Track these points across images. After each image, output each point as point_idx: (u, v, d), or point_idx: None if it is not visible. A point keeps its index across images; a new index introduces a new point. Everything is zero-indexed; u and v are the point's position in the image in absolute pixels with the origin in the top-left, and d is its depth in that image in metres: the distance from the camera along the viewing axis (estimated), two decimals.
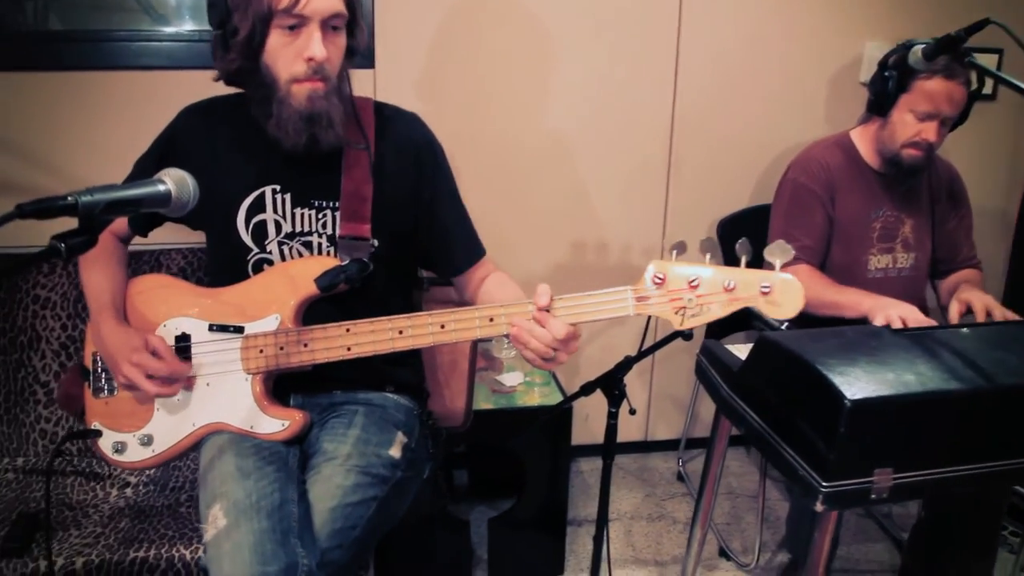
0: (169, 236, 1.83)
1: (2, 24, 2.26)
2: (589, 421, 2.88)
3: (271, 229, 1.59)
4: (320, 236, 1.59)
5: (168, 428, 1.58)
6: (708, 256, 1.28)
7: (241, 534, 1.33)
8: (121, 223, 1.69)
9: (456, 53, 2.54)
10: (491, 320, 1.38)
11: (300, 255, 1.60)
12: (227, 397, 1.54)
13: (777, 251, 1.22)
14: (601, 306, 1.32)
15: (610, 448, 1.76)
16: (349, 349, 1.47)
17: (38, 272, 2.07)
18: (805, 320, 1.92)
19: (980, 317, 1.97)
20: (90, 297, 1.63)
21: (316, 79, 1.46)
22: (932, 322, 1.87)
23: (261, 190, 1.58)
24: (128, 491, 1.89)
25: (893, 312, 1.87)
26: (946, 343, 1.54)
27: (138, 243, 1.79)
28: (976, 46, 1.83)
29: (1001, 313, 1.96)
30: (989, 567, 2.02)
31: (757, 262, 1.25)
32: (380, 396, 1.69)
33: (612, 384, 1.69)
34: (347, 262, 1.54)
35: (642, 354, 1.73)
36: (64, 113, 2.32)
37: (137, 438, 1.59)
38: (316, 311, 1.56)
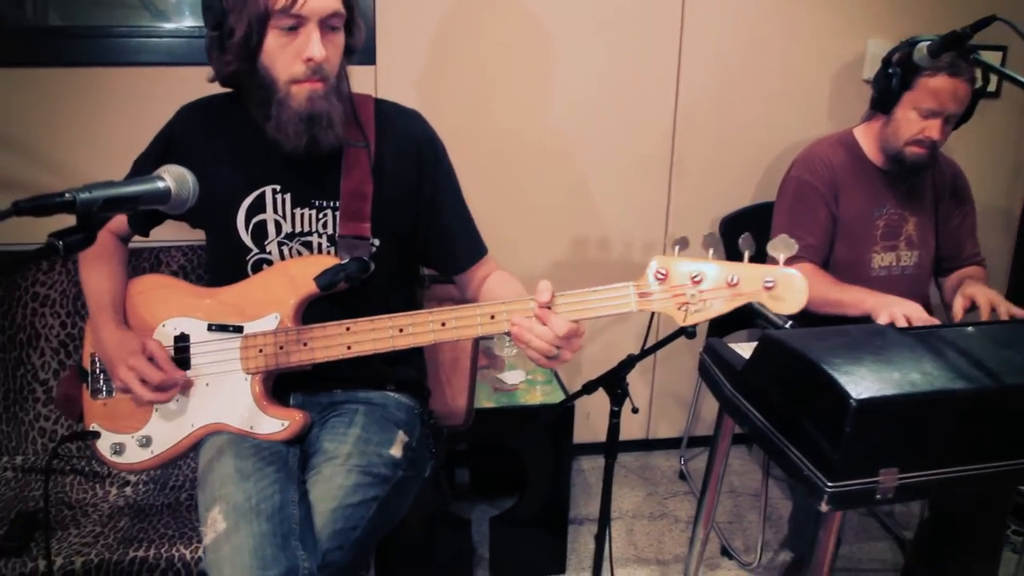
0: (169, 234, 1.82)
1: (1, 20, 2.25)
2: (591, 419, 2.87)
3: (271, 229, 1.58)
4: (320, 236, 1.58)
5: (167, 429, 1.57)
6: (711, 251, 1.26)
7: (241, 538, 1.32)
8: (121, 223, 1.68)
9: (458, 50, 2.53)
10: (492, 318, 1.37)
11: (300, 255, 1.59)
12: (226, 397, 1.53)
13: (780, 245, 1.21)
14: (603, 302, 1.31)
15: (612, 447, 1.75)
16: (349, 348, 1.46)
17: (37, 269, 2.06)
18: (808, 318, 1.92)
19: (985, 312, 1.96)
20: (89, 297, 1.62)
21: (315, 79, 1.45)
22: (936, 321, 1.86)
23: (261, 190, 1.57)
24: (128, 490, 1.88)
25: (897, 310, 1.86)
26: (952, 342, 1.53)
27: (138, 241, 1.78)
28: (980, 43, 1.83)
29: (1006, 308, 1.95)
30: (993, 567, 2.02)
31: (760, 258, 1.24)
32: (381, 395, 1.67)
33: (615, 383, 1.68)
34: (347, 260, 1.52)
35: (645, 352, 1.71)
36: (63, 109, 2.31)
37: (136, 439, 1.58)
38: (316, 311, 1.55)
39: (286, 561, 1.30)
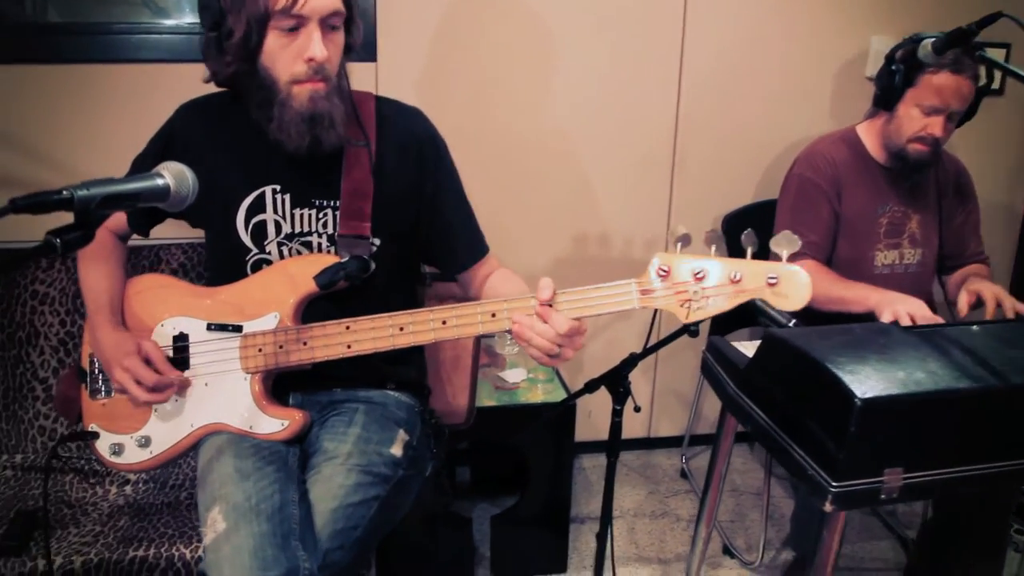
0: (169, 232, 1.82)
1: (0, 16, 2.24)
2: (592, 417, 2.86)
3: (271, 229, 1.57)
4: (320, 236, 1.57)
5: (166, 429, 1.56)
6: (713, 248, 1.25)
7: (241, 538, 1.31)
8: (120, 221, 1.67)
9: (459, 47, 2.52)
10: (493, 316, 1.36)
11: (299, 255, 1.58)
12: (226, 397, 1.52)
13: (784, 242, 1.20)
14: (605, 299, 1.30)
15: (614, 446, 1.74)
16: (349, 347, 1.45)
17: (36, 267, 2.05)
18: (811, 316, 1.91)
19: (990, 308, 1.95)
20: (87, 297, 1.61)
21: (317, 79, 1.44)
22: (940, 319, 1.85)
23: (261, 190, 1.56)
24: (128, 489, 1.87)
25: (901, 308, 1.85)
26: (957, 341, 1.52)
27: (138, 238, 1.77)
28: (984, 40, 1.82)
29: (1011, 304, 1.94)
30: (997, 567, 2.01)
31: (763, 255, 1.23)
32: (381, 394, 1.66)
33: (617, 381, 1.67)
34: (346, 259, 1.51)
35: (647, 351, 1.71)
36: (63, 107, 2.30)
37: (135, 439, 1.57)
38: (316, 310, 1.54)
39: (286, 561, 1.29)
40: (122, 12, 2.33)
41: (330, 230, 1.56)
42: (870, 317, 1.92)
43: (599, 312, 1.30)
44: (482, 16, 2.50)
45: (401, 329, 1.42)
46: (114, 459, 1.59)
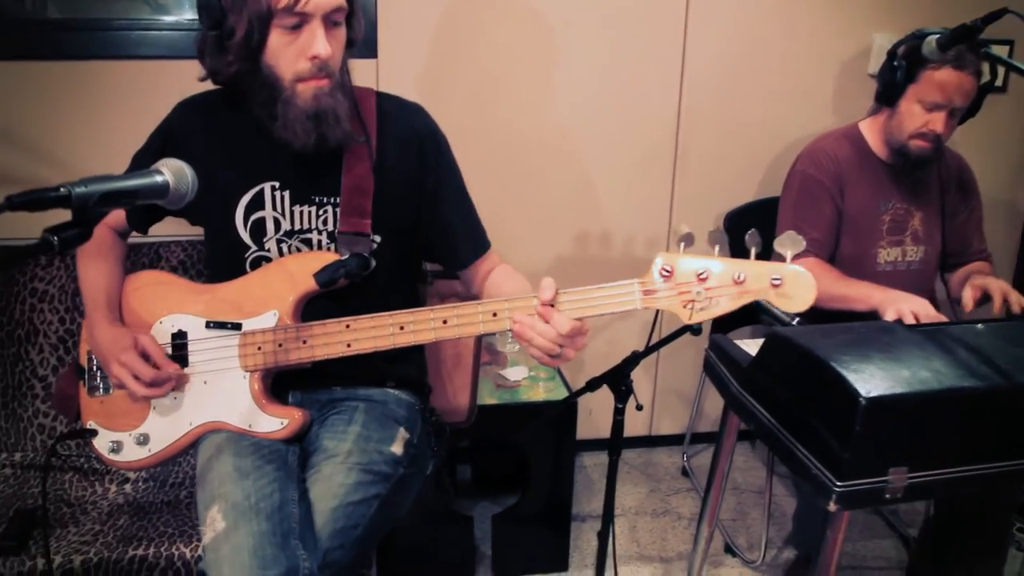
0: (169, 229, 1.81)
1: (0, 12, 2.23)
2: (593, 416, 2.86)
3: (270, 227, 1.56)
4: (320, 233, 1.56)
5: (165, 427, 1.55)
6: (717, 248, 1.24)
7: (240, 537, 1.30)
8: (120, 217, 1.66)
9: (460, 44, 2.51)
10: (494, 315, 1.35)
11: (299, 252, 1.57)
12: (225, 395, 1.51)
13: (788, 242, 1.19)
14: (607, 300, 1.29)
15: (617, 444, 1.73)
16: (349, 345, 1.44)
17: (36, 265, 2.05)
18: (813, 314, 1.88)
19: (998, 303, 1.95)
20: (85, 294, 1.61)
21: (321, 77, 1.43)
22: (944, 318, 1.84)
23: (260, 187, 1.55)
24: (127, 487, 1.86)
25: (904, 306, 1.84)
26: (961, 339, 1.51)
27: (137, 236, 1.76)
28: (987, 37, 1.81)
29: (1017, 299, 1.94)
30: (999, 565, 2.00)
31: (766, 255, 1.22)
32: (381, 392, 1.65)
33: (619, 380, 1.67)
34: (347, 257, 1.50)
35: (650, 349, 1.70)
36: (62, 103, 2.29)
37: (133, 437, 1.56)
38: (316, 308, 1.53)
39: (286, 560, 1.28)
40: (122, 8, 2.31)
41: (330, 227, 1.55)
42: (873, 315, 1.91)
43: (601, 312, 1.29)
44: (483, 13, 2.49)
45: (402, 328, 1.41)
46: (113, 457, 1.58)
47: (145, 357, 1.48)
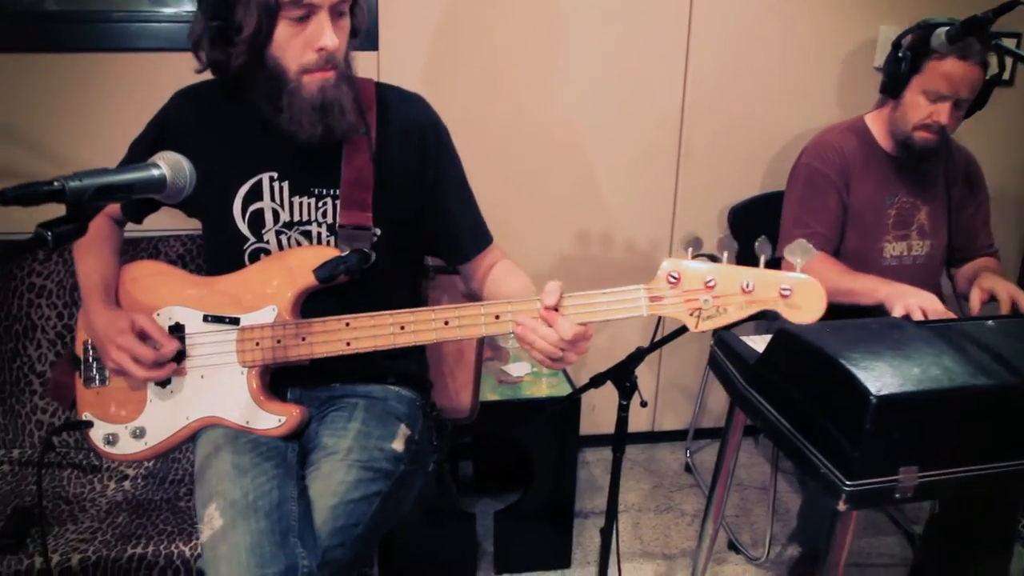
0: (167, 223, 1.79)
1: None
2: (596, 411, 2.84)
3: (268, 218, 1.54)
4: (320, 225, 1.54)
5: (161, 421, 1.53)
6: (725, 255, 1.22)
7: (238, 535, 1.29)
8: (114, 206, 1.64)
9: (462, 36, 2.48)
10: (497, 318, 1.33)
11: (299, 245, 1.55)
12: (222, 390, 1.50)
13: (798, 251, 1.17)
14: (613, 305, 1.27)
15: (621, 441, 1.72)
16: (348, 344, 1.42)
17: (33, 260, 2.03)
18: None
19: (1005, 307, 1.93)
20: (81, 282, 1.59)
21: (328, 68, 1.41)
22: (951, 313, 1.82)
23: (258, 177, 1.53)
24: (126, 484, 1.85)
25: (912, 301, 1.82)
26: (971, 336, 1.49)
27: (135, 230, 1.74)
28: (994, 30, 1.80)
29: None
30: (1005, 562, 1.99)
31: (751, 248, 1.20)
32: (381, 388, 1.63)
33: (623, 376, 1.65)
34: (347, 252, 1.48)
35: (654, 346, 1.68)
36: (60, 95, 2.27)
37: (129, 430, 1.54)
38: (315, 303, 1.51)
39: (284, 559, 1.26)
40: (121, 0, 2.29)
41: (330, 219, 1.53)
42: (879, 310, 1.89)
43: (606, 318, 1.28)
44: (486, 5, 2.47)
45: (402, 328, 1.39)
46: (108, 449, 1.56)
47: (143, 339, 1.47)
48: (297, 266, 1.49)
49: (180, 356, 1.50)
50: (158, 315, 1.54)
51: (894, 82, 2.08)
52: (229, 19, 1.37)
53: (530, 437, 2.25)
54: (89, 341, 1.59)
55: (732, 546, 2.47)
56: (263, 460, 1.42)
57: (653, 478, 2.88)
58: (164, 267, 1.64)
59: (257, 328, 1.48)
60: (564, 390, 2.30)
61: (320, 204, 1.53)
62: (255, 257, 1.55)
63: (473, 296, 1.71)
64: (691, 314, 1.23)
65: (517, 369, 2.37)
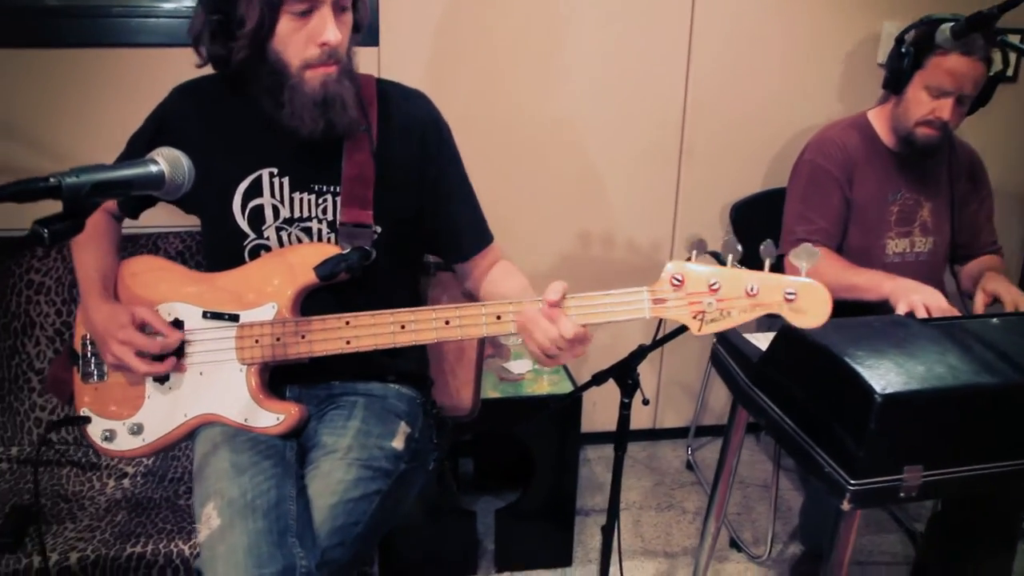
0: (166, 219, 1.78)
1: None
2: (597, 409, 2.83)
3: (268, 214, 1.52)
4: (320, 222, 1.53)
5: (159, 417, 1.52)
6: (730, 258, 1.21)
7: (236, 535, 1.28)
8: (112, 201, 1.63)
9: (464, 32, 2.47)
10: (498, 318, 1.33)
11: (299, 241, 1.53)
12: (221, 388, 1.49)
13: (803, 255, 1.16)
14: (616, 307, 1.26)
15: (623, 439, 1.71)
16: (348, 342, 1.42)
17: (32, 256, 2.02)
18: None
19: (1008, 310, 1.92)
20: (80, 277, 1.58)
21: (330, 63, 1.40)
22: (955, 310, 1.81)
23: (258, 173, 1.52)
24: (125, 482, 1.84)
25: (916, 298, 1.81)
26: (977, 334, 1.48)
27: (135, 226, 1.73)
28: (1000, 26, 1.78)
29: None
30: (1008, 560, 1.98)
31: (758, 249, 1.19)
32: (381, 386, 1.63)
33: (626, 374, 1.64)
34: (348, 250, 1.47)
35: (656, 343, 1.67)
36: (60, 92, 2.26)
37: (127, 426, 1.53)
38: (314, 300, 1.50)
39: (282, 559, 1.25)
40: None
41: (330, 216, 1.52)
42: (883, 307, 1.88)
43: (609, 320, 1.27)
44: (487, 2, 2.45)
45: (403, 327, 1.38)
46: (106, 445, 1.55)
47: (144, 331, 1.46)
48: (298, 263, 1.48)
49: (180, 351, 1.50)
50: (157, 311, 1.53)
51: (897, 78, 2.08)
52: (230, 13, 1.36)
53: (531, 435, 2.24)
54: (88, 336, 1.58)
55: (734, 544, 2.46)
56: (262, 459, 1.41)
57: (654, 476, 2.87)
58: (164, 262, 1.63)
59: (257, 325, 1.47)
60: (565, 387, 2.29)
61: (320, 201, 1.52)
62: (255, 254, 1.54)
63: (469, 295, 1.71)
64: (694, 317, 1.22)
65: (518, 366, 2.36)
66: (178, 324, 1.52)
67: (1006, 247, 2.39)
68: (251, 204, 1.52)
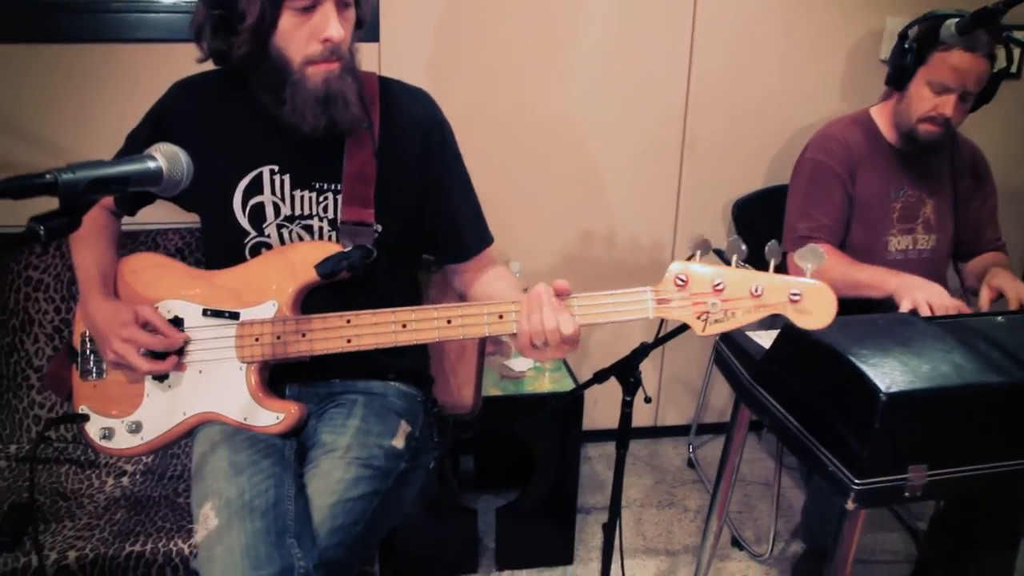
0: (166, 216, 1.77)
1: None
2: (598, 406, 2.82)
3: (269, 212, 1.51)
4: (321, 220, 1.52)
5: (158, 416, 1.51)
6: (735, 258, 1.20)
7: (233, 536, 1.27)
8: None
9: (465, 28, 2.46)
10: (500, 317, 1.32)
11: (300, 239, 1.52)
12: (220, 386, 1.48)
13: (809, 255, 1.15)
14: (619, 307, 1.26)
15: (624, 437, 1.70)
16: (349, 341, 1.40)
17: (30, 253, 2.01)
18: None
19: (1013, 306, 1.91)
20: (79, 274, 1.57)
21: (333, 60, 1.39)
22: (959, 304, 1.80)
23: (258, 170, 1.51)
24: (124, 480, 1.83)
25: (920, 296, 1.80)
26: (982, 332, 1.47)
27: (134, 223, 1.73)
28: (1004, 23, 1.77)
29: None
30: (1011, 558, 1.97)
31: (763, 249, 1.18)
32: (381, 384, 1.62)
33: (628, 371, 1.63)
34: (349, 248, 1.46)
35: (658, 341, 1.66)
36: (58, 87, 2.25)
37: (125, 425, 1.52)
38: (314, 298, 1.49)
39: (280, 560, 1.24)
40: None
41: (331, 214, 1.51)
42: (887, 304, 1.87)
43: (612, 320, 1.27)
44: None
45: (404, 326, 1.37)
46: (104, 443, 1.54)
47: (148, 330, 1.45)
48: (299, 261, 1.47)
49: (180, 350, 1.49)
50: (156, 308, 1.52)
51: (899, 74, 2.07)
52: (232, 7, 1.35)
53: (532, 432, 2.23)
54: (87, 333, 1.57)
55: (735, 542, 2.45)
56: (260, 458, 1.40)
57: (656, 474, 2.86)
58: (164, 259, 1.62)
59: (257, 323, 1.46)
60: (567, 385, 2.28)
61: (321, 198, 1.51)
62: (256, 251, 1.53)
63: (460, 295, 1.70)
64: (699, 317, 1.22)
65: (519, 364, 2.35)
66: (178, 322, 1.51)
67: (1010, 244, 2.38)
68: (252, 201, 1.51)
